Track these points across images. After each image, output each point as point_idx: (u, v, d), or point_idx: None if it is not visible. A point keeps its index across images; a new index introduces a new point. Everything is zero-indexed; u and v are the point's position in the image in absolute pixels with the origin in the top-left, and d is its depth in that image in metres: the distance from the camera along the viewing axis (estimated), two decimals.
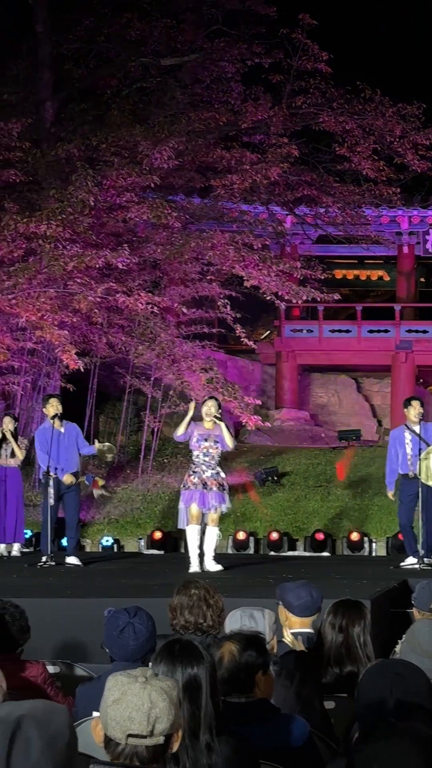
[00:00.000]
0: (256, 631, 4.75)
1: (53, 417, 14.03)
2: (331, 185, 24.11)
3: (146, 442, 21.92)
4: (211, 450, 12.96)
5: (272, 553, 17.49)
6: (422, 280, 31.90)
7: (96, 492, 14.79)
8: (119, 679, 2.91)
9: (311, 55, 23.25)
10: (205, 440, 12.96)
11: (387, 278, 32.12)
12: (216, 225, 22.20)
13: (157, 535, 17.62)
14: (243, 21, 24.15)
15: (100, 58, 24.29)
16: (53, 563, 13.67)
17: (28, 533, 16.92)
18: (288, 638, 6.09)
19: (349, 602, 5.83)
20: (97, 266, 17.99)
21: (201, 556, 12.81)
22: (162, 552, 17.38)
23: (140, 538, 18.26)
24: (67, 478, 13.93)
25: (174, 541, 17.66)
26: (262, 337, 30.36)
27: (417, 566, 13.09)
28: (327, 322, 29.40)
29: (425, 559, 13.22)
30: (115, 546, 18.02)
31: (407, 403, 13.96)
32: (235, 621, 5.43)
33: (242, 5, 23.86)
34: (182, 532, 14.10)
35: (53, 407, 14.16)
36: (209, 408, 12.98)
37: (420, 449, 13.21)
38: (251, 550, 17.70)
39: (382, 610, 9.39)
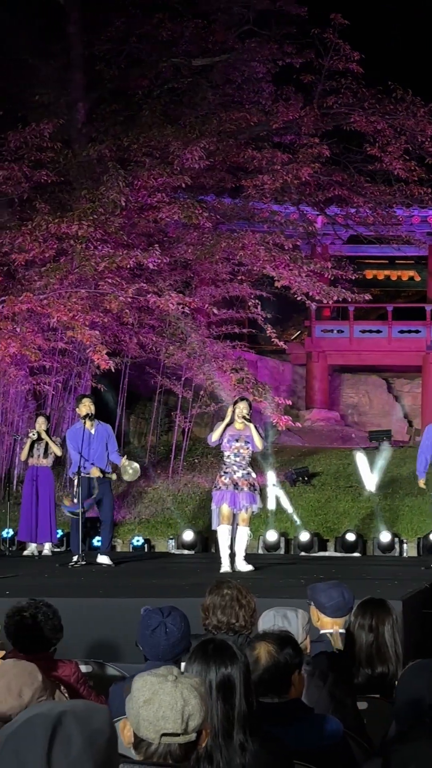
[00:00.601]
0: (284, 631, 4.74)
1: (85, 417, 14.10)
2: (362, 185, 24.04)
3: (177, 443, 21.93)
4: (241, 450, 12.97)
5: (303, 553, 17.47)
6: None
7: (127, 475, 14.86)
8: (148, 679, 2.92)
9: (342, 55, 23.20)
10: (236, 441, 12.98)
11: (418, 278, 32.00)
12: (247, 225, 22.18)
13: (188, 535, 17.63)
14: (274, 21, 24.12)
15: (131, 59, 24.32)
16: (84, 563, 13.72)
17: (60, 533, 16.96)
18: (334, 636, 6.08)
19: (376, 601, 5.81)
20: (128, 266, 18.01)
21: (232, 556, 12.82)
22: (192, 552, 17.39)
23: (171, 538, 18.26)
24: (95, 471, 13.99)
25: (204, 541, 17.67)
26: (293, 337, 30.33)
27: None
28: (358, 323, 29.33)
29: None
30: (145, 546, 18.04)
31: None
32: (269, 621, 5.43)
33: (273, 5, 23.84)
34: (213, 532, 14.12)
35: (86, 407, 14.24)
36: (240, 409, 13.00)
37: None
38: (282, 551, 17.68)
39: (413, 611, 9.37)
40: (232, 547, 12.86)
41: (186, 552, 17.40)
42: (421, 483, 14.27)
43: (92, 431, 14.14)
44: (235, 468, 12.90)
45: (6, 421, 20.39)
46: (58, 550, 16.72)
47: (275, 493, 18.59)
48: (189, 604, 6.59)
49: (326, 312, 29.31)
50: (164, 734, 2.86)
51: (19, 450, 17.55)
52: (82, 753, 2.16)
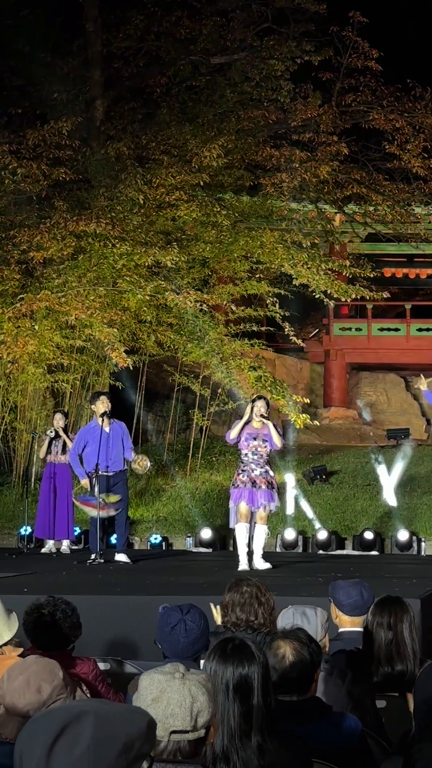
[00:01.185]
0: (300, 628, 4.73)
1: (102, 415, 14.12)
2: (381, 183, 23.99)
3: (195, 440, 21.93)
4: (259, 449, 12.97)
5: (321, 552, 17.45)
6: None
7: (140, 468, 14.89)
8: (155, 678, 2.92)
9: (361, 52, 23.20)
10: (254, 439, 12.98)
11: None
12: (265, 223, 22.16)
13: (206, 533, 17.63)
14: (293, 18, 24.12)
15: (149, 57, 24.34)
16: (102, 560, 13.75)
17: (77, 530, 16.98)
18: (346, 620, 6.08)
19: (393, 599, 5.80)
20: (147, 264, 18.01)
21: (250, 554, 12.82)
22: (210, 550, 17.39)
23: (189, 536, 18.26)
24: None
25: (222, 539, 17.67)
26: (311, 335, 30.29)
27: None
28: (376, 321, 29.31)
29: None
30: (163, 544, 18.04)
31: None
32: (288, 618, 5.42)
33: (292, 3, 23.83)
34: (230, 530, 14.12)
35: (103, 405, 14.26)
36: (258, 408, 13.00)
37: None
38: (300, 549, 17.67)
39: None
40: (249, 545, 12.86)
41: (204, 550, 17.40)
42: None
43: (107, 429, 14.15)
44: (253, 466, 12.90)
45: (24, 419, 20.42)
46: (77, 547, 16.74)
47: (294, 494, 18.58)
48: (207, 601, 6.59)
49: (344, 310, 29.29)
50: (173, 732, 2.85)
51: (37, 447, 17.57)
52: (85, 756, 2.12)
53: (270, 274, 21.14)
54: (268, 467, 13.03)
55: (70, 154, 20.23)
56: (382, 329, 29.34)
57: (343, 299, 21.15)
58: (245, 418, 13.05)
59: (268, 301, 20.40)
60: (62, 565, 13.80)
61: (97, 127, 22.77)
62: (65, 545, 16.13)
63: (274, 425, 13.11)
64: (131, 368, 18.39)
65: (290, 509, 18.30)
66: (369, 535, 17.47)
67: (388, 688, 5.46)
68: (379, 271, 26.83)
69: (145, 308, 18.51)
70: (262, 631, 5.60)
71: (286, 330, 20.24)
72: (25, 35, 23.20)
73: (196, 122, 21.80)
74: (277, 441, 13.04)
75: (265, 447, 13.01)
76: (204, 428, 22.00)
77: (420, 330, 29.11)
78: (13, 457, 20.92)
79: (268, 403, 13.31)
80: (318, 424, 22.30)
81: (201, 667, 4.06)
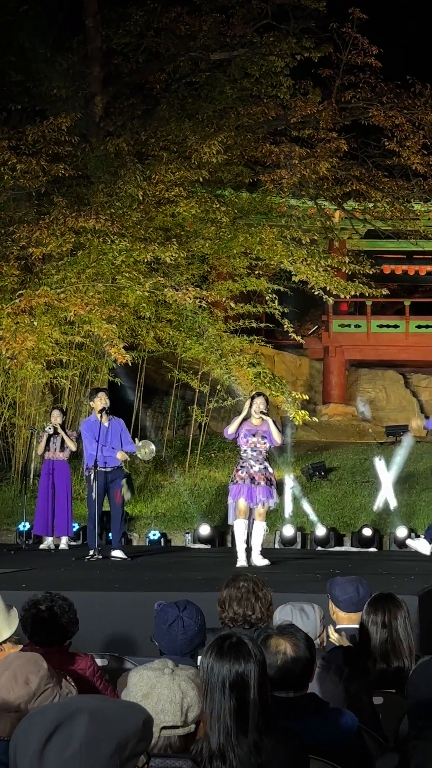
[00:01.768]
0: (290, 624, 4.72)
1: (100, 411, 14.13)
2: (380, 180, 23.96)
3: (194, 437, 21.94)
4: (258, 445, 12.97)
5: (319, 548, 17.45)
6: None
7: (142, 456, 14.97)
8: (144, 674, 2.91)
9: (361, 49, 23.17)
10: (253, 435, 12.98)
11: None
12: (264, 219, 22.15)
13: (204, 529, 17.63)
14: (293, 15, 24.10)
15: (149, 53, 24.33)
16: (100, 557, 13.76)
17: (76, 526, 16.97)
18: (333, 636, 6.08)
19: (386, 596, 5.80)
20: (146, 260, 18.01)
21: (248, 550, 12.81)
22: (209, 546, 17.39)
23: (187, 533, 18.27)
24: (121, 455, 14.12)
25: (221, 535, 17.67)
26: (310, 332, 30.28)
27: None
28: (375, 317, 29.30)
29: None
30: (162, 540, 18.05)
31: None
32: (286, 615, 5.43)
33: None
34: (229, 527, 14.12)
35: (101, 401, 14.26)
36: (258, 405, 13.00)
37: None
38: (298, 545, 17.67)
39: (430, 606, 9.34)
40: (248, 541, 12.86)
41: (202, 546, 17.40)
42: None
43: (106, 424, 14.17)
44: (252, 462, 12.90)
45: (23, 415, 20.42)
46: (75, 543, 16.75)
47: (293, 490, 18.57)
48: (205, 598, 6.59)
49: (343, 307, 29.26)
50: (164, 727, 2.85)
51: (36, 444, 17.57)
52: (77, 755, 2.11)
53: (269, 270, 21.14)
54: (267, 464, 13.02)
55: (70, 150, 20.21)
56: (381, 326, 29.32)
57: (343, 296, 21.15)
58: (243, 413, 13.06)
59: (267, 298, 20.40)
60: (60, 561, 13.80)
61: (97, 123, 22.76)
62: (64, 541, 16.12)
63: (273, 422, 13.11)
64: (130, 364, 18.40)
65: (289, 506, 18.30)
66: (367, 532, 17.48)
67: (384, 684, 5.47)
68: (379, 268, 26.79)
69: (144, 304, 18.50)
70: (259, 626, 5.60)
71: (285, 326, 20.24)
72: (26, 31, 23.19)
73: (195, 118, 21.78)
74: (277, 438, 13.04)
75: (265, 444, 13.01)
76: (203, 425, 22.01)
77: (419, 327, 29.10)
78: (11, 452, 20.93)
79: (267, 400, 13.32)
80: (317, 420, 22.28)
81: (198, 663, 4.05)
